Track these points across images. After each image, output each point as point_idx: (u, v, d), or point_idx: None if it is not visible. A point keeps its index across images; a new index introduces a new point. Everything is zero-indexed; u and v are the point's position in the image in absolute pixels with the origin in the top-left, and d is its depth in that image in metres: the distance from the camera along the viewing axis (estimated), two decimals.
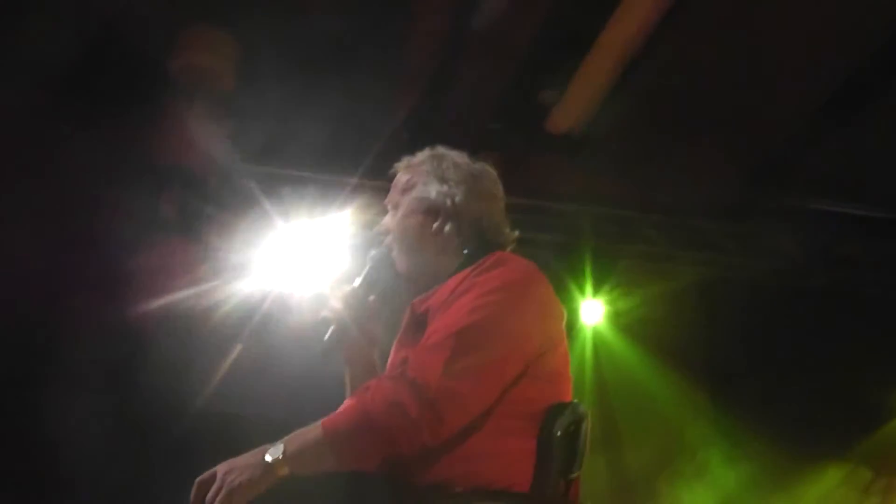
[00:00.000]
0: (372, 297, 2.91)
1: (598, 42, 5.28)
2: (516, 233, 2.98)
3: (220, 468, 2.52)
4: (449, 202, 2.88)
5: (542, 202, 5.84)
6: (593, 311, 6.08)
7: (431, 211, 2.88)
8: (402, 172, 2.97)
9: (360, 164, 5.10)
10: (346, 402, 2.62)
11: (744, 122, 5.68)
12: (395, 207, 2.94)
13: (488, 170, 2.99)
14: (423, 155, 2.97)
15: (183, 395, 5.49)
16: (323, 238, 5.38)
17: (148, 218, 5.25)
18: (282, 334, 5.35)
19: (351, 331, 2.89)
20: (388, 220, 2.94)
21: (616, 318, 6.11)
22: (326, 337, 2.87)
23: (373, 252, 2.93)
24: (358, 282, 2.91)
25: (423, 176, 2.92)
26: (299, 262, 5.49)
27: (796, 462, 6.25)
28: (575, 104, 5.57)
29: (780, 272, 6.10)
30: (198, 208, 5.36)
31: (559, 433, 2.66)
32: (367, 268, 2.91)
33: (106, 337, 5.27)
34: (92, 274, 5.30)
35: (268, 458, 2.50)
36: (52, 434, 5.10)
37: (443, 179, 2.90)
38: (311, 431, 2.53)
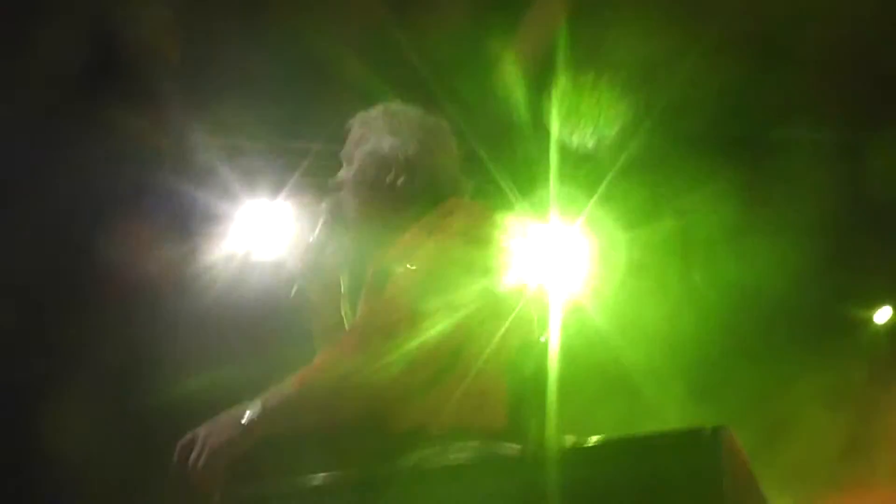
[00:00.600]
0: (330, 250, 2.95)
1: None
2: (472, 183, 3.03)
3: (201, 431, 2.55)
4: (401, 155, 2.91)
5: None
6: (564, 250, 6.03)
7: (384, 164, 2.91)
8: (357, 127, 3.00)
9: (322, 129, 5.10)
10: (318, 357, 2.67)
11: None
12: (349, 161, 2.97)
13: (442, 124, 3.03)
14: (376, 110, 3.01)
15: (155, 362, 5.50)
16: (286, 205, 5.39)
17: (106, 195, 5.24)
18: (249, 299, 5.37)
19: (314, 285, 2.94)
20: (343, 174, 2.98)
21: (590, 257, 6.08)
22: (292, 294, 2.92)
23: (324, 205, 2.97)
24: (314, 236, 2.95)
25: (376, 130, 2.95)
26: (264, 230, 5.50)
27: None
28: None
29: None
30: (156, 184, 5.35)
31: (529, 371, 2.72)
32: (321, 221, 2.95)
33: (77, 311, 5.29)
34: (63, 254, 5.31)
35: (246, 418, 2.54)
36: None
37: (395, 133, 2.94)
38: (286, 388, 2.57)
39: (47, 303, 5.30)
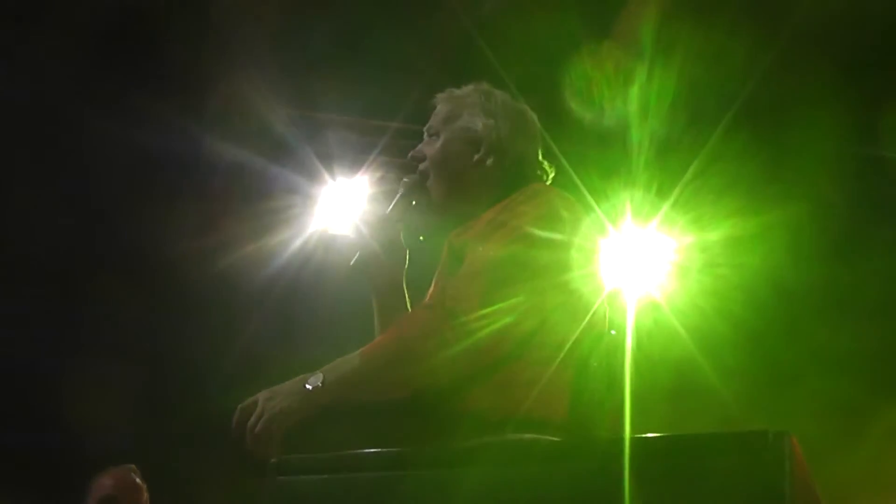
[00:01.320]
0: (399, 224, 2.94)
1: None
2: (553, 171, 3.02)
3: (262, 395, 2.57)
4: (494, 135, 2.91)
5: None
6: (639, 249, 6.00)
7: (475, 142, 2.92)
8: (445, 103, 2.99)
9: (401, 107, 5.11)
10: (389, 332, 2.66)
11: None
12: (435, 136, 2.96)
13: (529, 110, 3.03)
14: (468, 88, 3.01)
15: (225, 337, 5.55)
16: (365, 182, 5.38)
17: (190, 162, 5.29)
18: (323, 274, 5.39)
19: (376, 254, 2.95)
20: (427, 148, 2.97)
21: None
22: (353, 262, 2.93)
23: (406, 179, 2.96)
24: (388, 209, 2.94)
25: (469, 108, 2.95)
26: (341, 205, 5.51)
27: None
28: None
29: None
30: (238, 153, 5.38)
31: (596, 364, 2.70)
32: (399, 193, 2.95)
33: (150, 279, 5.35)
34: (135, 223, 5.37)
35: (308, 386, 2.55)
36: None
37: (489, 113, 2.94)
38: (350, 361, 2.57)
39: (119, 278, 5.37)
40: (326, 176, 5.53)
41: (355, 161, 5.47)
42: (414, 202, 2.95)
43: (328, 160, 5.53)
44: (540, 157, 3.00)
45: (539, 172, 2.97)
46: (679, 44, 5.26)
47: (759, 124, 5.65)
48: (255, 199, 5.51)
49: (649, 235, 5.93)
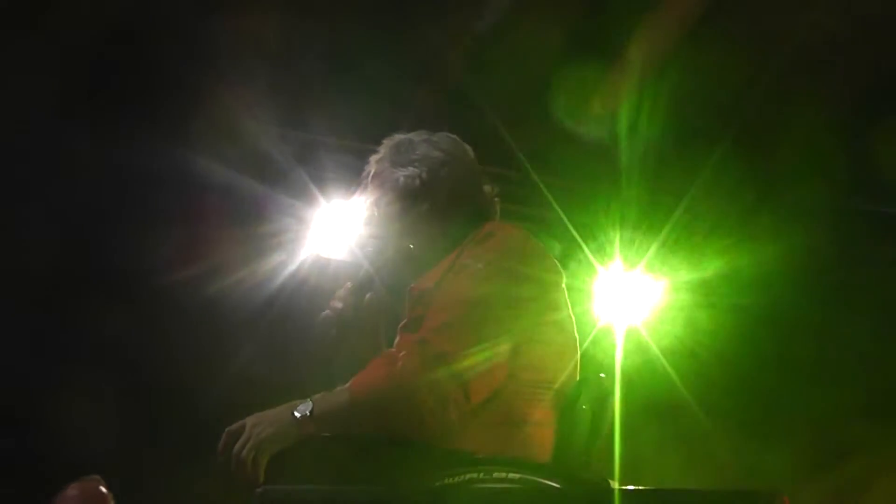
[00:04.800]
0: (368, 295, 2.94)
1: None
2: (496, 189, 3.01)
3: (249, 420, 2.59)
4: (418, 182, 2.90)
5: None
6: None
7: (404, 196, 2.91)
8: (372, 172, 3.00)
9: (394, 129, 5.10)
10: (377, 370, 2.64)
11: None
12: (378, 206, 2.97)
13: (449, 136, 3.01)
14: (382, 149, 3.00)
15: (216, 360, 5.52)
16: (356, 205, 5.36)
17: (181, 183, 5.26)
18: (315, 299, 5.35)
19: (351, 327, 2.94)
20: (374, 222, 2.98)
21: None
22: (326, 337, 2.94)
23: (368, 249, 2.98)
24: (350, 284, 2.95)
25: (387, 167, 2.95)
26: (335, 229, 5.49)
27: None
28: None
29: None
30: (230, 174, 5.35)
31: (584, 406, 2.70)
32: (362, 270, 2.96)
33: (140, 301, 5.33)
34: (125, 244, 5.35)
35: (296, 414, 2.56)
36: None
37: (405, 163, 2.93)
38: (341, 394, 2.59)
39: (108, 300, 5.35)
40: (320, 198, 5.52)
41: (349, 183, 5.46)
42: (377, 273, 2.95)
43: (322, 182, 5.52)
44: (479, 180, 2.99)
45: (480, 198, 2.97)
46: (670, 73, 5.26)
47: (752, 153, 5.64)
48: (248, 221, 5.48)
49: (638, 275, 5.93)
